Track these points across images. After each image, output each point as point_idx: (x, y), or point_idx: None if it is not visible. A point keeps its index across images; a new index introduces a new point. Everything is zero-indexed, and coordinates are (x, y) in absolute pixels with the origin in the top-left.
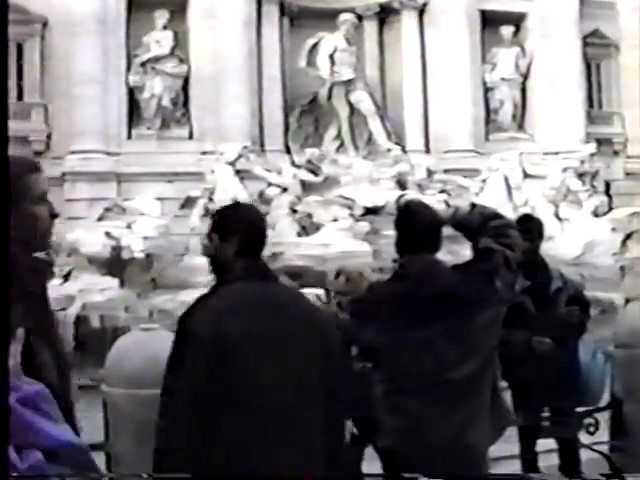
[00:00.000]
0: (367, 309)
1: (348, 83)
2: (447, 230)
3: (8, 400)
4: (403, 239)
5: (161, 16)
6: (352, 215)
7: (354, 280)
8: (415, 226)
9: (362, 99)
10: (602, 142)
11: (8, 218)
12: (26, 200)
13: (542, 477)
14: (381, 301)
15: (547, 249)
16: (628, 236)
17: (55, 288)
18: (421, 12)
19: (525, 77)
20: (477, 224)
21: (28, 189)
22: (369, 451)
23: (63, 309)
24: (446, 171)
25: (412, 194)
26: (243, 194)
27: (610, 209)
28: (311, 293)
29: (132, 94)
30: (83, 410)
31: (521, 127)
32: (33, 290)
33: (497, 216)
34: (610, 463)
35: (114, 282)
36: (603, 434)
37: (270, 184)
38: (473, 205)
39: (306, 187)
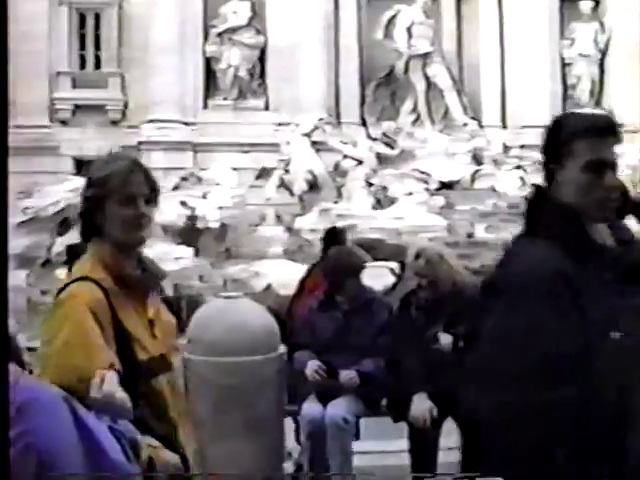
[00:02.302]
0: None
1: (425, 56)
2: (522, 206)
3: (8, 398)
4: None
5: None
6: (427, 189)
7: (434, 262)
8: None
9: (439, 73)
10: None
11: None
12: None
13: None
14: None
15: None
16: None
17: None
18: None
19: (604, 53)
20: None
21: None
22: None
23: None
24: (522, 147)
25: (488, 169)
26: (319, 166)
27: None
28: (385, 266)
29: (209, 64)
30: None
31: (599, 104)
32: None
33: None
34: None
35: (189, 251)
36: None
37: (345, 156)
38: None
39: (381, 160)
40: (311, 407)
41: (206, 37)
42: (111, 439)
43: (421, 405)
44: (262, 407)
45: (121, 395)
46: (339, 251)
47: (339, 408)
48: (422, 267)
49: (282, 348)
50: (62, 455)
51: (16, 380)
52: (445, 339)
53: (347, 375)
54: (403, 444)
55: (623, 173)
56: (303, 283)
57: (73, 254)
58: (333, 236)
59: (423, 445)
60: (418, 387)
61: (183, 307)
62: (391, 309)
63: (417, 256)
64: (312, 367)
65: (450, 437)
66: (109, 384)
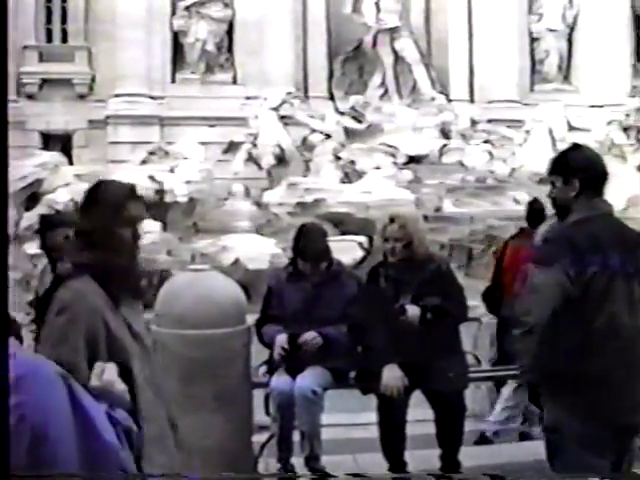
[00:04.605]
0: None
1: (393, 30)
2: (490, 181)
3: (8, 398)
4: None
5: None
6: (395, 163)
7: (410, 226)
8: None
9: (407, 47)
10: None
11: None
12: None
13: None
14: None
15: None
16: None
17: None
18: None
19: (572, 28)
20: None
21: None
22: None
23: None
24: (490, 121)
25: (456, 144)
26: (287, 140)
27: None
28: (353, 240)
29: (176, 38)
30: None
31: (566, 79)
32: None
33: None
34: None
35: (156, 225)
36: None
37: (313, 130)
38: None
39: (349, 134)
40: (280, 380)
41: (174, 11)
42: (106, 421)
43: (393, 374)
44: (231, 379)
45: (120, 386)
46: (313, 225)
47: (308, 380)
48: (396, 230)
49: (250, 321)
50: (55, 429)
51: (13, 354)
52: (412, 311)
53: (310, 335)
54: (371, 417)
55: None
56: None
57: (46, 224)
58: (535, 208)
59: (392, 417)
60: (388, 358)
61: (152, 281)
62: (360, 281)
63: (392, 220)
64: (279, 343)
65: (418, 410)
66: (109, 374)
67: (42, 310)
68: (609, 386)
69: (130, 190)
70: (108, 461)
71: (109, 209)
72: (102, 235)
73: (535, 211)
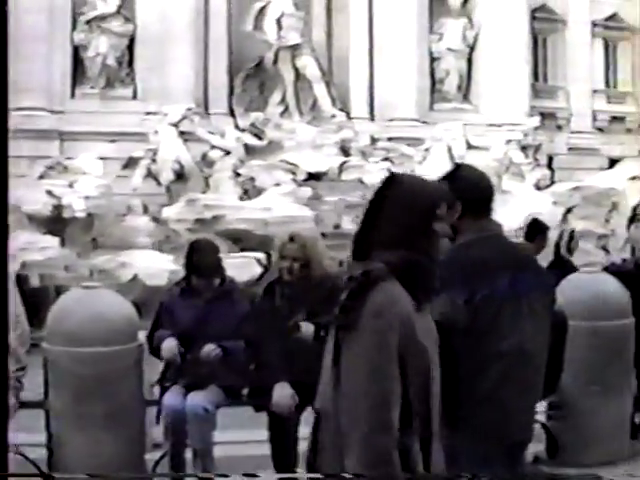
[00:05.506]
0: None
1: (294, 48)
2: None
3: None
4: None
5: None
6: (295, 180)
7: (309, 246)
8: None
9: (308, 64)
10: (546, 116)
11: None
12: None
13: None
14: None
15: None
16: (569, 210)
17: None
18: None
19: (472, 48)
20: None
21: None
22: None
23: None
24: (390, 139)
25: (355, 161)
26: (186, 156)
27: (552, 183)
28: (252, 256)
29: (77, 52)
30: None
31: (466, 98)
32: None
33: None
34: (547, 431)
35: (54, 241)
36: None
37: (213, 147)
38: None
39: (249, 151)
40: (172, 397)
41: (74, 25)
42: None
43: (283, 392)
44: (122, 397)
45: None
46: (206, 241)
47: (199, 398)
48: (295, 250)
49: (142, 338)
50: None
51: None
52: (306, 328)
53: (209, 347)
54: (264, 434)
55: (489, 165)
56: None
57: None
58: (536, 226)
59: (283, 435)
60: (279, 376)
61: (49, 298)
62: (253, 299)
63: (291, 239)
64: (168, 347)
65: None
66: None
67: (349, 312)
68: (499, 406)
69: (444, 191)
70: None
71: (429, 208)
72: (418, 234)
73: (535, 228)
